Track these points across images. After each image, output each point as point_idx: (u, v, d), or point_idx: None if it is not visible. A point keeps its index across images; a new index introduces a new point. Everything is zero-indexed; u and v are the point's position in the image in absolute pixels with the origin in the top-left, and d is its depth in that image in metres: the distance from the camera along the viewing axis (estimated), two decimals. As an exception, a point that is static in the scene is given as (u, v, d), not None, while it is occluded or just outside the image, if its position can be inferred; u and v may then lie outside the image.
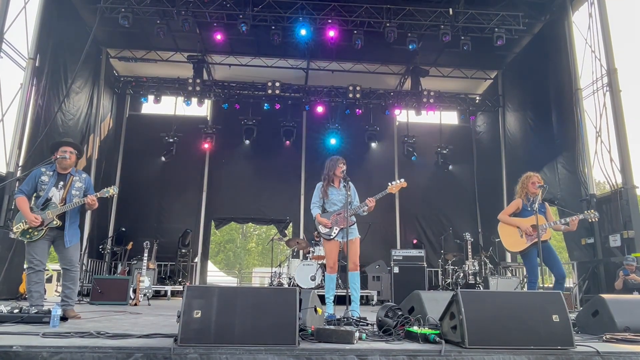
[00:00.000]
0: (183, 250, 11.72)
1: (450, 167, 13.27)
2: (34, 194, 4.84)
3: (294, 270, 9.56)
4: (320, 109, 12.75)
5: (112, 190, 4.98)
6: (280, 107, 12.49)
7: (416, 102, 12.54)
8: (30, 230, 4.66)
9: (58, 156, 4.83)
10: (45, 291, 5.53)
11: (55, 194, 4.80)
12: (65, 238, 4.78)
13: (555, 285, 5.35)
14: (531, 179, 5.59)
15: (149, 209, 12.59)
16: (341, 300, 5.24)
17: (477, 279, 9.65)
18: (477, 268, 9.77)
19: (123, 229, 11.64)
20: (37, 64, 8.72)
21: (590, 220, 5.64)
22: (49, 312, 3.86)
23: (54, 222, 4.71)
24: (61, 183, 4.85)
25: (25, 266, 8.23)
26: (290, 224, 12.94)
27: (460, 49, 10.23)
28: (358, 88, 12.15)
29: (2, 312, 3.92)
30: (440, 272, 11.12)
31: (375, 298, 9.53)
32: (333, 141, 12.67)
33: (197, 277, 12.32)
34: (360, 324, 4.16)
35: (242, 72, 12.71)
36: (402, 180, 5.26)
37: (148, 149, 12.74)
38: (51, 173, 4.88)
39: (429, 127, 13.79)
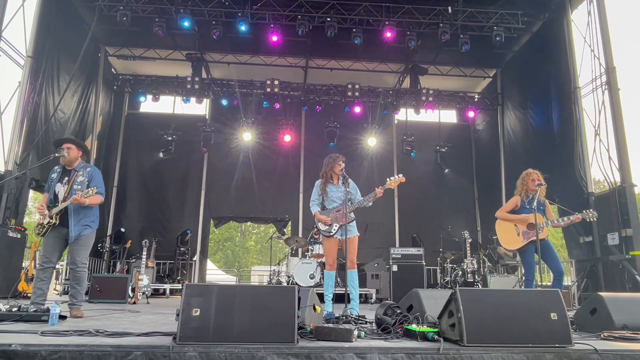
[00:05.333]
0: (182, 249, 11.72)
1: (449, 165, 13.27)
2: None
3: (292, 268, 9.55)
4: (319, 107, 12.73)
5: (92, 192, 4.66)
6: (279, 106, 12.47)
7: (415, 100, 12.53)
8: (40, 225, 4.72)
9: (56, 154, 4.83)
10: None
11: (61, 190, 4.79)
12: (70, 234, 4.71)
13: (553, 281, 5.34)
14: (531, 175, 5.50)
15: (148, 207, 12.58)
16: (340, 298, 5.23)
17: (476, 277, 9.66)
18: (475, 266, 9.77)
19: (122, 230, 11.63)
20: (34, 62, 8.71)
21: (588, 220, 5.59)
22: (48, 310, 3.86)
23: (52, 221, 4.68)
24: (66, 179, 4.83)
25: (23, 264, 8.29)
26: (289, 222, 12.93)
27: (459, 47, 10.21)
28: (357, 86, 12.12)
29: (0, 310, 3.92)
30: (438, 271, 11.11)
31: (374, 296, 9.54)
32: (332, 139, 12.65)
33: (196, 276, 12.31)
34: (359, 322, 4.16)
35: (240, 71, 12.69)
36: (401, 175, 5.24)
37: (147, 148, 12.74)
38: (60, 170, 4.94)
39: (428, 125, 13.77)
